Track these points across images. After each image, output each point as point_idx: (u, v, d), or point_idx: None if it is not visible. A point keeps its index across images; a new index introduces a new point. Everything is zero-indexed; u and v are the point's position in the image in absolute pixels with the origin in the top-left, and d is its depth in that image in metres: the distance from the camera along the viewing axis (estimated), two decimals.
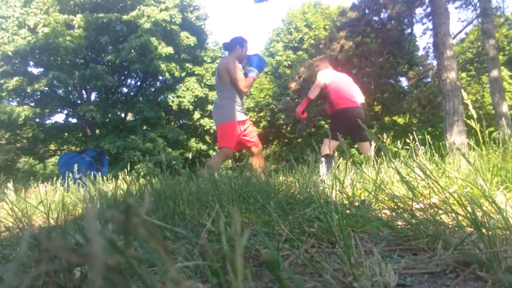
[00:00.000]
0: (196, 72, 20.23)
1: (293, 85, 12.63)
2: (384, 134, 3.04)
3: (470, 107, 1.67)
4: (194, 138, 21.18)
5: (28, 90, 16.63)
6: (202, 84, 20.31)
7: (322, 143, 4.45)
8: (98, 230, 0.26)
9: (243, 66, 4.11)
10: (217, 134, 4.03)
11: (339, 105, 4.47)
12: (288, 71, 20.92)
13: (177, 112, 20.74)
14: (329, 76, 4.60)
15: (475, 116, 1.71)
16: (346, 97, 4.48)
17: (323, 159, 4.00)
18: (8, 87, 15.84)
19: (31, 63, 17.35)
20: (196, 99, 19.60)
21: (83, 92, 19.73)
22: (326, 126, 20.28)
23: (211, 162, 3.74)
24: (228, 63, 3.91)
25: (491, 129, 12.31)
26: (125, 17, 17.44)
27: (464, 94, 1.76)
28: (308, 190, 1.59)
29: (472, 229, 0.79)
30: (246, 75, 4.03)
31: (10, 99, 17.53)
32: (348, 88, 4.60)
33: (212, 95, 20.05)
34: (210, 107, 20.30)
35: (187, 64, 20.05)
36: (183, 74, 19.89)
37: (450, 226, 0.95)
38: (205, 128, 20.83)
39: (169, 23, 18.11)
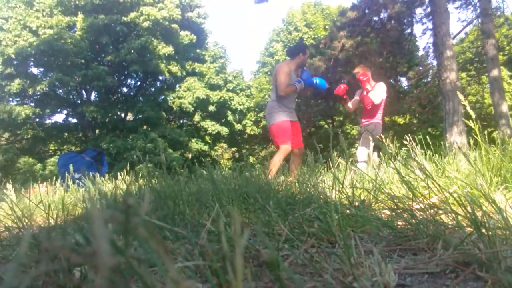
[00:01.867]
0: (196, 70, 20.22)
1: None
2: (384, 134, 3.04)
3: (468, 108, 1.67)
4: (194, 139, 21.18)
5: (30, 92, 16.64)
6: (203, 84, 20.29)
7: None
8: (103, 230, 0.26)
9: (297, 75, 4.28)
10: (271, 135, 4.21)
11: (382, 118, 4.77)
12: None
13: (177, 112, 20.73)
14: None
15: (473, 116, 1.71)
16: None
17: (363, 164, 4.18)
18: (11, 89, 15.85)
19: (32, 64, 17.34)
20: (197, 100, 19.58)
21: (83, 92, 19.73)
22: (326, 126, 20.27)
23: (273, 161, 3.90)
24: (280, 67, 4.10)
25: (491, 129, 12.32)
26: (124, 18, 17.45)
27: (461, 96, 1.76)
28: (308, 190, 1.59)
29: (472, 229, 0.79)
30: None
31: (10, 99, 17.53)
32: None
33: (213, 95, 20.05)
34: (211, 107, 20.28)
35: (187, 63, 20.05)
36: (183, 73, 19.89)
37: (450, 226, 0.95)
38: (206, 129, 20.82)
39: (169, 21, 18.10)
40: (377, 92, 4.66)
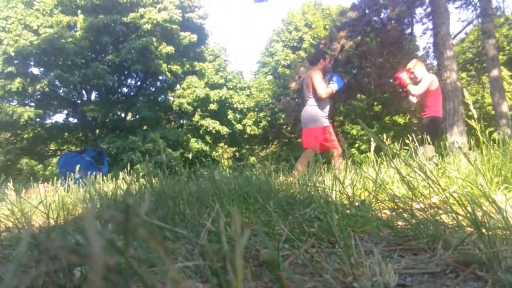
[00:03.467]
0: (196, 69, 20.22)
1: (293, 85, 12.63)
2: (384, 134, 3.04)
3: (471, 107, 1.67)
4: (194, 139, 21.18)
5: (30, 91, 16.62)
6: (203, 83, 20.29)
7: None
8: (97, 230, 0.26)
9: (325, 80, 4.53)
10: (303, 137, 4.49)
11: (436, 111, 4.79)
12: (287, 71, 20.93)
13: (177, 112, 20.73)
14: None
15: (475, 116, 1.71)
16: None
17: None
18: (11, 88, 15.84)
19: (33, 64, 17.34)
20: (197, 99, 19.59)
21: (84, 92, 19.73)
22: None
23: (299, 163, 4.10)
24: (312, 74, 4.36)
25: (491, 129, 12.31)
26: (124, 19, 17.45)
27: (466, 94, 1.76)
28: (308, 190, 1.59)
29: (472, 229, 0.79)
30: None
31: (10, 99, 17.52)
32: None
33: (214, 95, 20.06)
34: (212, 106, 20.27)
35: (187, 63, 20.05)
36: (184, 73, 19.89)
37: (450, 226, 0.95)
38: (207, 129, 20.83)
39: (169, 23, 18.11)
40: (418, 85, 4.72)
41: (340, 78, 4.58)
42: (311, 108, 4.41)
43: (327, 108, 4.48)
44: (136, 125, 19.39)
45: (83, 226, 1.06)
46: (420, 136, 4.56)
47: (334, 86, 4.36)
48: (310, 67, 4.71)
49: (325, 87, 4.30)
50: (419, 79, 4.81)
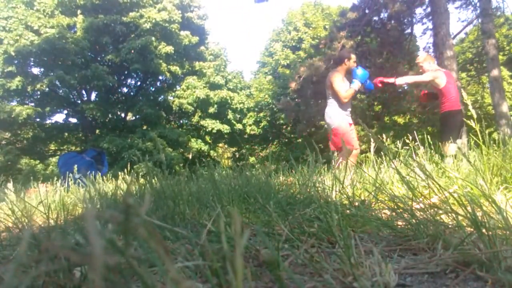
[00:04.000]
0: (196, 69, 20.21)
1: (293, 85, 12.63)
2: (384, 134, 3.04)
3: (470, 107, 1.67)
4: (194, 138, 21.18)
5: (29, 90, 16.61)
6: (203, 83, 20.28)
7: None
8: (97, 230, 0.26)
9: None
10: (332, 137, 4.43)
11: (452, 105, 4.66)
12: (287, 71, 20.94)
13: (177, 112, 20.73)
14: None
15: (475, 116, 1.71)
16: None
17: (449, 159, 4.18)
18: (11, 87, 15.83)
19: (33, 64, 17.34)
20: (197, 100, 19.58)
21: (83, 92, 19.73)
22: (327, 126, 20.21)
23: (340, 163, 4.00)
24: (332, 76, 4.38)
25: (491, 129, 12.31)
26: (124, 18, 17.46)
27: (464, 94, 1.76)
28: (308, 190, 1.59)
29: (472, 229, 0.79)
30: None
31: (10, 99, 17.52)
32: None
33: (214, 95, 20.05)
34: (211, 109, 20.26)
35: (187, 63, 20.05)
36: (183, 73, 19.89)
37: (450, 226, 0.95)
38: (207, 129, 20.82)
39: (169, 23, 18.11)
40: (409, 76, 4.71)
41: (363, 70, 4.43)
42: (331, 108, 4.43)
43: (349, 106, 4.46)
44: (136, 124, 19.39)
45: (83, 226, 1.06)
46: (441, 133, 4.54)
47: (355, 85, 4.32)
48: (334, 67, 4.67)
49: (345, 91, 4.29)
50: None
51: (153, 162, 12.51)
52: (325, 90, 4.68)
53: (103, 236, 0.27)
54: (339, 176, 1.59)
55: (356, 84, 4.32)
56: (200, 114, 20.99)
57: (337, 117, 4.39)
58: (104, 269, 0.26)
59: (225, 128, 20.82)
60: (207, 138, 21.66)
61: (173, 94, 20.69)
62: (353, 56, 4.52)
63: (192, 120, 21.40)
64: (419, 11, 13.02)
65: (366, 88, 4.51)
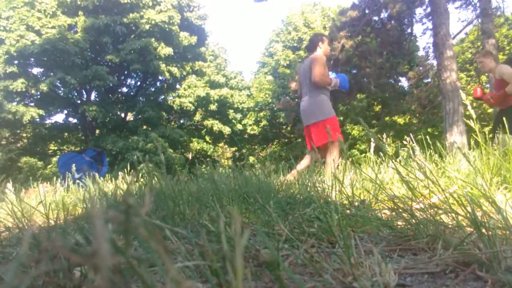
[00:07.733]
0: (196, 69, 20.21)
1: (293, 85, 12.64)
2: (384, 133, 3.04)
3: (469, 107, 1.67)
4: (195, 138, 21.17)
5: (32, 91, 16.63)
6: (204, 83, 20.29)
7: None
8: (105, 231, 0.26)
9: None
10: (316, 132, 3.84)
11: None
12: (287, 71, 20.95)
13: (177, 112, 20.73)
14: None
15: (474, 116, 1.71)
16: None
17: None
18: (14, 88, 15.83)
19: (33, 64, 17.34)
20: (197, 99, 19.58)
21: (83, 92, 19.72)
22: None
23: (333, 160, 3.59)
24: (314, 58, 3.88)
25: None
26: (124, 19, 17.46)
27: (463, 95, 1.76)
28: (308, 190, 1.59)
29: (472, 229, 0.79)
30: None
31: (10, 99, 17.51)
32: None
33: (214, 94, 20.05)
34: (212, 107, 20.25)
35: (187, 64, 20.05)
36: (183, 74, 19.90)
37: (450, 226, 0.95)
38: (208, 127, 20.82)
39: (168, 24, 18.11)
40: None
41: (346, 78, 4.11)
42: (319, 97, 3.89)
43: (328, 95, 4.01)
44: (136, 125, 19.38)
45: (83, 226, 1.06)
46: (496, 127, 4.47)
47: (335, 80, 3.91)
48: (309, 54, 4.14)
49: (323, 74, 3.79)
50: (487, 69, 4.75)
51: (155, 163, 12.50)
52: None
53: (109, 236, 0.27)
54: (338, 176, 1.59)
55: (336, 80, 3.94)
56: (201, 113, 20.99)
57: (326, 105, 3.90)
58: (105, 269, 0.26)
59: (227, 130, 20.83)
60: (208, 138, 21.67)
61: (173, 94, 20.69)
62: (325, 39, 4.08)
63: (194, 119, 21.41)
64: (419, 11, 13.04)
65: (341, 87, 4.09)
